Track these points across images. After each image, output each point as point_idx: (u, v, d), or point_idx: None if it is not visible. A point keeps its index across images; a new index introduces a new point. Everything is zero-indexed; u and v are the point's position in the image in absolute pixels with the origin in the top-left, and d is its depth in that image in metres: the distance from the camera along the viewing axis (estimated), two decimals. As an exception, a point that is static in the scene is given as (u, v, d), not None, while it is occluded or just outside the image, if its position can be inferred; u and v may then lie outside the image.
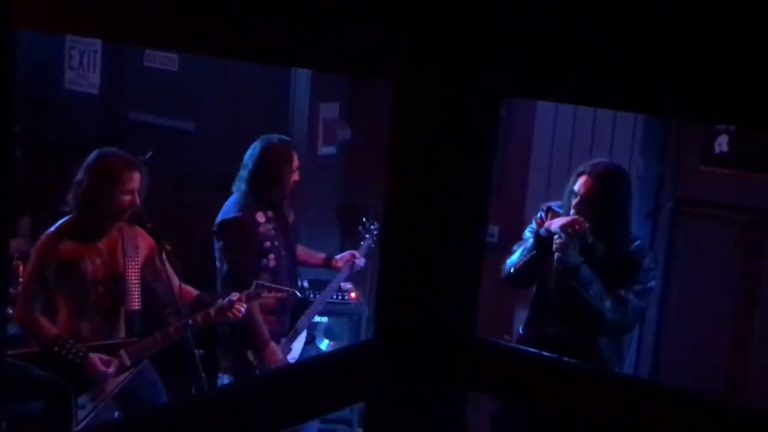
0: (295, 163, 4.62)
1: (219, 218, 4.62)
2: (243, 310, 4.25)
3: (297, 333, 4.75)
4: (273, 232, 4.62)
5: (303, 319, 4.78)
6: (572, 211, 4.04)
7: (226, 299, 4.23)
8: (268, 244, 4.60)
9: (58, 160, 4.63)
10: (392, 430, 1.62)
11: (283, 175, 4.59)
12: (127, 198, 4.08)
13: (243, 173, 4.62)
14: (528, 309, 4.33)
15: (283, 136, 4.79)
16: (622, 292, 4.00)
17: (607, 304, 3.99)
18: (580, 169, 4.11)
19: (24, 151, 4.87)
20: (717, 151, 4.97)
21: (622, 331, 4.15)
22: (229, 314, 4.22)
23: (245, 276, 4.47)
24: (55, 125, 6.35)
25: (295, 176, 4.65)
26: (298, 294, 4.51)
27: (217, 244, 4.62)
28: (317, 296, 5.01)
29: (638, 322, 4.30)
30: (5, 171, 1.13)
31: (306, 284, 5.25)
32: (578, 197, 4.03)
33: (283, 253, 4.67)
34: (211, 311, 4.20)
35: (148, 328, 4.27)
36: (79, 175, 4.11)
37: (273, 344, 4.58)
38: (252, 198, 4.59)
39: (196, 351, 4.34)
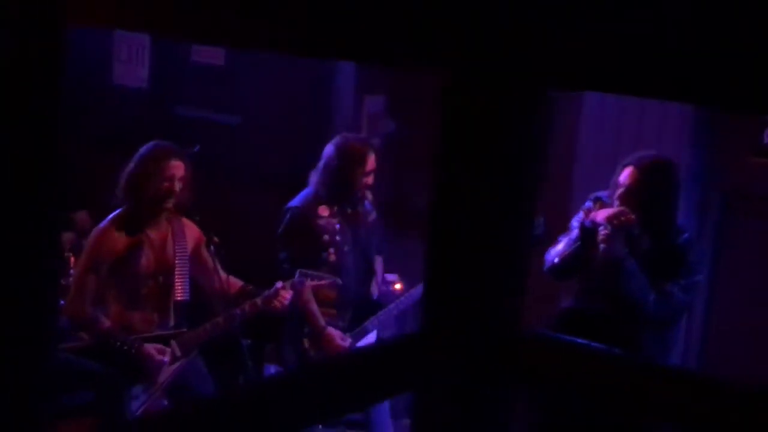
0: (370, 165, 4.64)
1: (286, 206, 4.73)
2: (288, 298, 4.27)
3: (366, 332, 4.76)
4: (336, 226, 4.67)
5: (373, 319, 4.77)
6: (617, 203, 4.01)
7: (272, 288, 4.26)
8: (326, 237, 4.64)
9: (106, 155, 4.69)
10: (439, 421, 1.62)
11: (352, 175, 4.63)
12: (166, 184, 4.13)
13: (319, 166, 4.70)
14: (571, 300, 4.30)
15: (362, 137, 4.78)
16: (668, 286, 3.96)
17: (651, 297, 3.94)
18: (626, 160, 4.07)
19: (72, 146, 4.93)
20: (766, 141, 4.91)
21: (665, 325, 4.11)
22: (275, 303, 4.24)
23: (300, 265, 4.53)
24: (104, 120, 6.43)
25: (368, 179, 4.67)
26: (340, 282, 4.52)
27: (279, 231, 4.70)
28: (401, 299, 4.88)
29: (682, 317, 4.24)
30: (53, 163, 1.15)
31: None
32: (623, 189, 3.99)
33: (346, 249, 4.70)
34: (258, 301, 4.24)
35: (197, 319, 4.31)
36: (126, 168, 4.19)
37: (330, 330, 4.62)
38: (320, 192, 4.67)
39: (243, 341, 4.38)
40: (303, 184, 5.60)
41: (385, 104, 6.01)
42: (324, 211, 4.67)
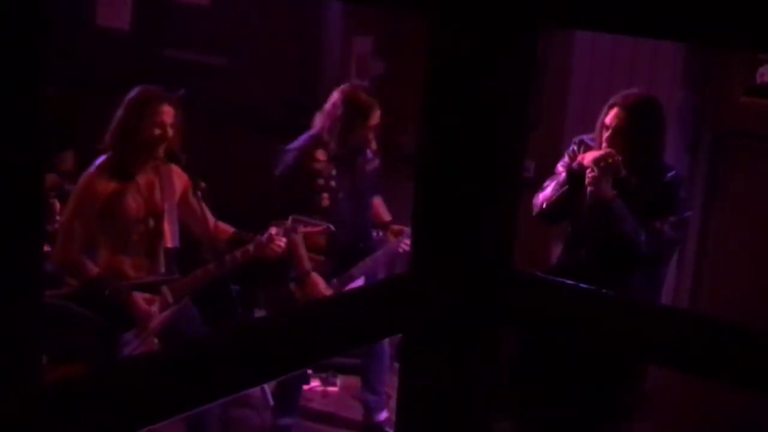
0: (374, 120, 4.62)
1: (285, 147, 4.73)
2: (283, 245, 4.26)
3: (352, 278, 4.74)
4: (333, 172, 4.64)
5: (361, 265, 4.75)
6: (604, 145, 4.00)
7: (265, 234, 4.24)
8: (321, 182, 4.63)
9: (92, 98, 4.64)
10: (428, 362, 1.61)
11: (355, 126, 4.61)
12: (157, 131, 4.09)
13: (323, 109, 4.68)
14: (562, 244, 4.30)
15: (369, 89, 4.72)
16: (657, 224, 3.96)
17: (642, 237, 3.95)
18: (611, 100, 4.05)
19: (58, 89, 4.88)
20: (759, 81, 4.88)
21: (657, 264, 4.12)
22: (271, 249, 4.22)
23: (291, 207, 4.54)
24: (88, 63, 6.35)
25: (371, 132, 4.65)
26: (332, 228, 4.50)
27: (275, 171, 4.71)
28: (387, 246, 4.86)
29: (674, 254, 4.26)
30: (36, 107, 1.12)
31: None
32: (610, 130, 3.98)
33: (341, 195, 4.68)
34: (250, 247, 4.22)
35: (187, 266, 4.30)
36: (116, 113, 4.15)
37: (315, 275, 4.62)
38: (321, 135, 4.65)
39: (233, 287, 4.37)
40: (291, 125, 5.56)
41: (373, 45, 5.95)
42: (321, 155, 4.64)
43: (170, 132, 4.10)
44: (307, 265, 4.61)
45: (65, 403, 1.22)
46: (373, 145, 4.78)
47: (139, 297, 4.10)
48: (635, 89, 4.22)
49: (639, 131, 3.97)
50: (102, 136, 4.17)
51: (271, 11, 5.86)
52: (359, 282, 4.77)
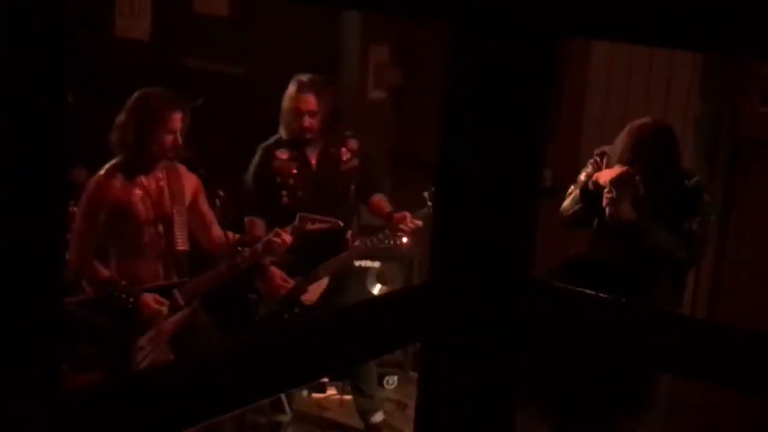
0: (306, 105, 4.65)
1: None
2: (288, 240, 4.27)
3: (317, 277, 4.73)
4: (294, 171, 4.70)
5: (326, 266, 4.74)
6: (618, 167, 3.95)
7: (272, 233, 4.27)
8: (279, 179, 4.69)
9: (112, 108, 4.67)
10: (447, 371, 1.62)
11: (295, 117, 4.66)
12: (170, 138, 4.11)
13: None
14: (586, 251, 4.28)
15: (304, 79, 4.72)
16: (685, 225, 3.93)
17: (674, 242, 3.92)
18: (623, 136, 3.98)
19: (77, 99, 4.91)
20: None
21: (691, 265, 4.13)
22: (276, 245, 4.24)
23: (256, 205, 4.65)
24: (107, 73, 6.39)
25: (312, 124, 4.66)
26: (341, 224, 4.50)
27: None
28: (351, 250, 4.84)
29: (704, 254, 4.24)
30: (60, 117, 1.13)
31: None
32: (627, 166, 3.92)
33: (300, 194, 4.70)
34: (259, 247, 4.25)
35: (198, 270, 4.31)
36: (122, 117, 4.13)
37: (273, 268, 4.60)
38: (282, 134, 4.73)
39: (251, 296, 4.38)
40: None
41: (390, 54, 5.96)
42: (282, 154, 4.72)
43: (180, 139, 4.13)
44: (266, 259, 4.59)
45: (84, 413, 1.23)
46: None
47: (150, 296, 4.12)
48: (645, 118, 4.09)
49: (654, 158, 3.93)
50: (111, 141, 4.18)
51: (288, 21, 5.88)
52: (324, 281, 4.75)
